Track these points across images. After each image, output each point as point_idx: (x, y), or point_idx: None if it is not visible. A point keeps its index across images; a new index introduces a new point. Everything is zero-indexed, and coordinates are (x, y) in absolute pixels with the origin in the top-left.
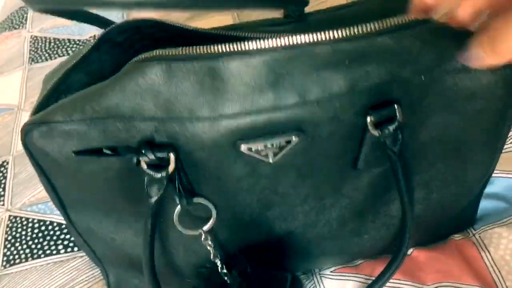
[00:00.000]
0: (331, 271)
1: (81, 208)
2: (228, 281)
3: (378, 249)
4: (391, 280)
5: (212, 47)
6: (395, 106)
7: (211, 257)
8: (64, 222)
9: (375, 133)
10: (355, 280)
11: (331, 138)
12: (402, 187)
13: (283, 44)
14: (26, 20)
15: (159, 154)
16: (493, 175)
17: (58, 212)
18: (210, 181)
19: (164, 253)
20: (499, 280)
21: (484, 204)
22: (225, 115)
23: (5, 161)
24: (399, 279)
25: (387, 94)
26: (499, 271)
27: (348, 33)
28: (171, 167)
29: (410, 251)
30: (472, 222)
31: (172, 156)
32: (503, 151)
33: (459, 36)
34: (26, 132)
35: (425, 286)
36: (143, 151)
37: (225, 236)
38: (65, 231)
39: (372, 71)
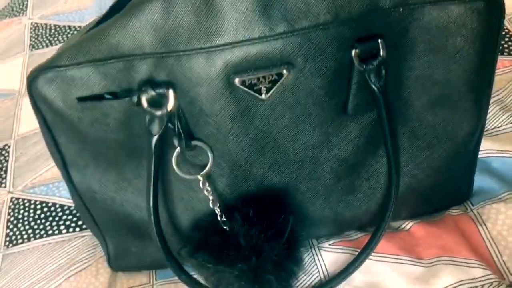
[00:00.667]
0: (329, 244)
1: (82, 165)
2: (228, 229)
3: (372, 216)
4: (390, 256)
5: None
6: (379, 40)
7: (210, 204)
8: (66, 203)
9: (360, 67)
10: (352, 254)
11: (320, 75)
12: (385, 128)
13: None
14: (26, 7)
15: (159, 90)
16: (490, 154)
17: (60, 194)
18: (206, 123)
19: (164, 211)
20: (496, 255)
21: (481, 182)
22: (219, 46)
23: (6, 144)
24: (398, 255)
25: (370, 28)
26: (496, 246)
27: None
28: (170, 103)
29: (408, 226)
30: (469, 195)
31: (171, 92)
32: (497, 132)
33: None
34: (32, 78)
35: (423, 261)
36: (144, 88)
37: (223, 185)
38: (67, 212)
39: None
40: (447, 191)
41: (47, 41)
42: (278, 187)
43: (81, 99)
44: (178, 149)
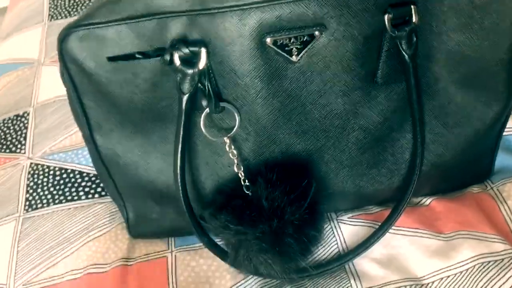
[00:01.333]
0: (348, 217)
1: (107, 129)
2: (251, 193)
3: (394, 191)
4: (410, 230)
5: None
6: (412, 7)
7: (235, 168)
8: (85, 170)
9: (392, 33)
10: (371, 227)
11: (352, 39)
12: (413, 98)
13: None
14: None
15: (192, 48)
16: (509, 132)
17: (78, 161)
18: (235, 84)
19: (189, 176)
20: None
21: (502, 160)
22: (253, 4)
23: (25, 112)
24: (417, 229)
25: None
26: None
27: None
28: (202, 62)
29: (428, 201)
30: (490, 174)
31: (203, 50)
32: None
33: None
34: (64, 36)
35: (442, 235)
36: (177, 46)
37: (248, 150)
38: (86, 179)
39: None
40: (470, 169)
41: (66, 12)
42: (302, 155)
43: (113, 58)
44: (206, 110)
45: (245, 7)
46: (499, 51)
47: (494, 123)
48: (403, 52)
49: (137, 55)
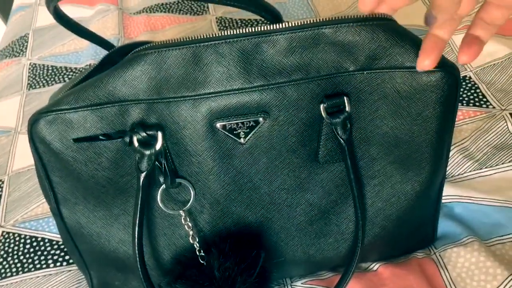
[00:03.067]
0: (302, 283)
1: (72, 202)
2: (205, 263)
3: (342, 259)
4: None
5: (194, 36)
6: (345, 98)
7: (190, 240)
8: (54, 238)
9: (328, 120)
10: None
11: (292, 124)
12: (351, 177)
13: (249, 31)
14: (26, 48)
15: (149, 132)
16: (453, 200)
17: (49, 229)
18: (190, 162)
19: (148, 246)
20: None
21: (444, 227)
22: (204, 95)
23: (0, 180)
24: None
25: (338, 86)
26: None
27: (299, 23)
28: (159, 144)
29: (376, 266)
30: (433, 239)
31: (159, 134)
32: (461, 179)
33: (394, 35)
34: (34, 121)
35: None
36: (136, 130)
37: (203, 222)
38: (55, 246)
39: (321, 58)
40: (413, 237)
41: (44, 81)
42: (254, 226)
43: (78, 140)
44: (163, 186)
45: (197, 97)
46: (427, 134)
47: (427, 195)
48: (339, 137)
49: (100, 137)
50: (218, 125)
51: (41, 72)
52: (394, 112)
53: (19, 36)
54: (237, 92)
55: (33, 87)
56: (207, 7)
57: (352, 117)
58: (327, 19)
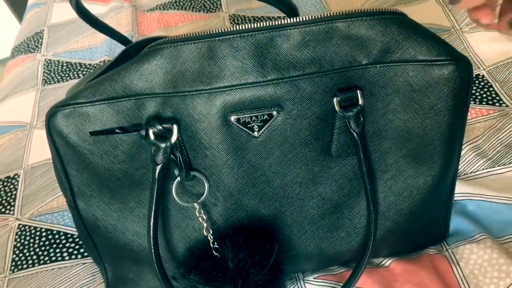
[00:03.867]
0: (314, 277)
1: (88, 195)
2: (219, 255)
3: (354, 253)
4: None
5: (209, 31)
6: (358, 91)
7: (204, 232)
8: (69, 231)
9: (341, 114)
10: (335, 287)
11: (306, 117)
12: (364, 171)
13: (263, 26)
14: (41, 44)
15: (165, 125)
16: (466, 197)
17: (64, 222)
18: (204, 155)
19: (162, 238)
20: None
21: (457, 224)
22: (219, 88)
23: (16, 174)
24: None
25: (351, 79)
26: (468, 285)
27: (313, 17)
28: (174, 137)
29: (388, 263)
30: (445, 236)
31: (175, 127)
32: (474, 176)
33: (407, 28)
34: (51, 114)
35: None
36: (151, 123)
37: (217, 214)
38: (70, 239)
39: (334, 52)
40: (425, 232)
41: (59, 77)
42: (267, 219)
43: (94, 133)
44: (178, 179)
45: (211, 91)
46: (440, 127)
47: (438, 190)
48: (352, 130)
49: (116, 130)
50: (232, 118)
51: (55, 68)
52: (406, 105)
53: (34, 33)
54: (252, 85)
55: (48, 82)
56: (220, 4)
57: (365, 111)
58: (340, 13)
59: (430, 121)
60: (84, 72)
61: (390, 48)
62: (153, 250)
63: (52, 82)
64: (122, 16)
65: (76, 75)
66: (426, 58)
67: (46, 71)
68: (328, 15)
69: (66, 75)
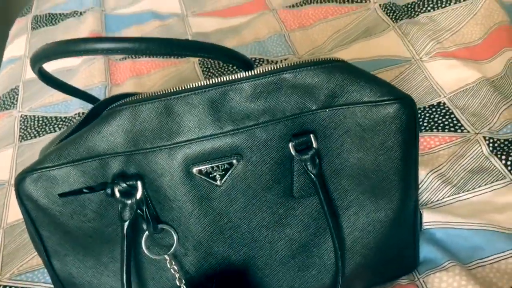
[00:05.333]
0: None
1: (62, 254)
2: None
3: None
4: None
5: (165, 90)
6: (311, 135)
7: (177, 282)
8: None
9: (297, 157)
10: None
11: (265, 163)
12: (325, 210)
13: (215, 82)
14: (16, 100)
15: (129, 182)
16: (433, 226)
17: (45, 279)
18: (170, 208)
19: None
20: None
21: (427, 252)
22: (178, 143)
23: None
24: None
25: (304, 124)
26: None
27: (263, 70)
28: (139, 193)
29: None
30: (415, 265)
31: (139, 183)
32: (440, 204)
33: (349, 74)
34: (20, 180)
35: None
36: (116, 181)
37: (188, 264)
38: None
39: (285, 101)
40: (395, 264)
41: (35, 132)
42: (238, 264)
43: (63, 195)
44: (146, 233)
45: (172, 146)
46: (393, 162)
47: (401, 222)
48: (309, 172)
49: (84, 190)
50: (195, 170)
51: (32, 123)
52: (358, 144)
53: (9, 89)
54: (210, 138)
55: (25, 138)
56: None
57: (321, 152)
58: (287, 65)
59: (382, 157)
60: (60, 126)
61: (336, 93)
62: None
63: (29, 137)
64: (95, 67)
65: (52, 129)
66: (371, 100)
67: (23, 127)
68: (277, 67)
69: (43, 129)
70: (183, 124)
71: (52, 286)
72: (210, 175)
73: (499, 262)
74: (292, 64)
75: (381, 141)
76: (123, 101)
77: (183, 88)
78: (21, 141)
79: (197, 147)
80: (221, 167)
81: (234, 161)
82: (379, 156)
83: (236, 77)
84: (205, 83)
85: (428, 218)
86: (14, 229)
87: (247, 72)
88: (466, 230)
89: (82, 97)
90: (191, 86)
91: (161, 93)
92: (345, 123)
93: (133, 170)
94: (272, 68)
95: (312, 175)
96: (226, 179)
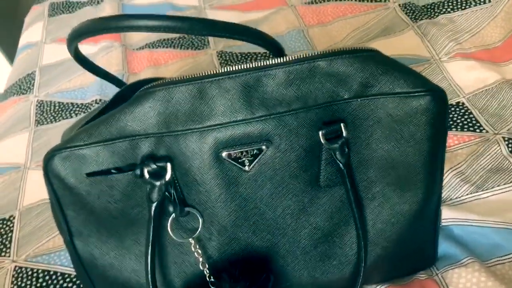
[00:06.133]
0: None
1: (86, 235)
2: None
3: (347, 281)
4: None
5: (199, 73)
6: (341, 124)
7: (200, 266)
8: (66, 271)
9: (327, 146)
10: None
11: (294, 151)
12: (351, 200)
13: (250, 67)
14: (33, 85)
15: (159, 164)
16: (452, 222)
17: (61, 262)
18: (198, 191)
19: (159, 275)
20: None
21: (445, 248)
22: (210, 127)
23: (12, 215)
24: None
25: (335, 113)
26: None
27: (296, 57)
28: (168, 175)
29: None
30: (434, 260)
31: (169, 165)
32: (459, 202)
33: (383, 64)
34: (48, 158)
35: None
36: (146, 162)
37: (212, 248)
38: (67, 279)
39: (318, 88)
40: (415, 258)
41: (51, 117)
42: (261, 250)
43: (91, 174)
44: (173, 215)
45: (203, 129)
46: (421, 154)
47: (423, 216)
48: (338, 161)
49: (112, 171)
50: (224, 154)
51: (48, 108)
52: (388, 135)
53: (26, 74)
54: (241, 123)
55: (41, 123)
56: (208, 42)
57: (350, 142)
58: (322, 53)
59: (411, 149)
60: (76, 112)
61: (369, 83)
62: (151, 287)
63: (45, 122)
64: (112, 55)
65: (68, 115)
66: (403, 91)
67: (39, 112)
68: (311, 54)
69: (59, 115)
70: (215, 108)
71: (68, 268)
72: (239, 160)
73: None
74: (327, 51)
75: (411, 133)
76: (156, 83)
77: (218, 72)
78: (37, 126)
79: (228, 131)
80: (250, 152)
81: (264, 147)
82: (407, 148)
83: (270, 63)
84: (240, 68)
85: (447, 215)
86: (30, 212)
87: (281, 58)
88: (485, 228)
89: (111, 80)
90: (225, 70)
91: (195, 76)
92: (375, 113)
93: (163, 152)
94: (306, 55)
95: (341, 164)
96: (255, 165)
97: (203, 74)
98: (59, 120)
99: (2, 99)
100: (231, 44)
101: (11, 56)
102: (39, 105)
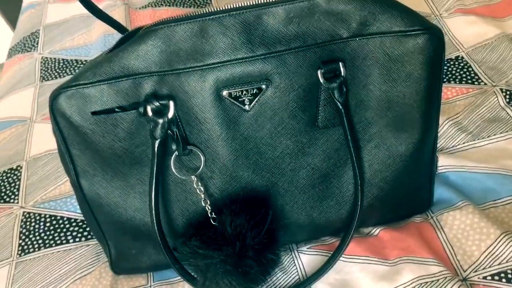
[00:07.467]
0: (307, 248)
1: (91, 174)
2: (217, 224)
3: (344, 222)
4: (360, 258)
5: (200, 11)
6: (340, 63)
7: (202, 202)
8: (72, 216)
9: (325, 85)
10: (327, 256)
11: (293, 90)
12: (349, 139)
13: (250, 4)
14: (37, 43)
15: (162, 101)
16: (448, 169)
17: (67, 208)
18: (199, 130)
19: (163, 213)
20: (452, 255)
21: (441, 194)
22: (210, 65)
23: (19, 165)
24: (367, 256)
25: (333, 52)
26: (452, 248)
27: None
28: (171, 112)
29: (376, 231)
30: (429, 205)
31: (171, 103)
32: (455, 150)
33: (381, 2)
34: (54, 96)
35: (388, 261)
36: (149, 100)
37: (213, 186)
38: (74, 224)
39: (317, 27)
40: (411, 201)
41: (56, 74)
42: (261, 189)
43: (95, 113)
44: (175, 153)
45: (204, 67)
46: (417, 94)
47: (420, 156)
48: (336, 100)
49: (116, 109)
50: (224, 93)
51: (52, 65)
52: (385, 75)
53: (30, 32)
54: (241, 61)
55: (46, 79)
56: (210, 0)
57: (348, 82)
58: None
59: (408, 89)
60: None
61: (368, 21)
62: (155, 223)
63: (50, 78)
64: (115, 14)
65: (73, 71)
66: (401, 29)
67: (44, 68)
68: None
69: (63, 71)
70: (216, 46)
71: (74, 213)
72: (239, 99)
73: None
74: None
75: (408, 72)
76: (158, 21)
77: (218, 9)
78: (42, 81)
79: (229, 70)
80: (250, 91)
81: (263, 86)
82: (404, 88)
83: (271, 0)
84: (240, 5)
85: (444, 162)
86: (36, 162)
87: None
88: (480, 174)
89: (116, 27)
90: (227, 8)
91: (197, 14)
92: (374, 53)
93: (165, 90)
94: None
95: (339, 103)
96: (254, 104)
97: (204, 12)
98: (64, 76)
99: (6, 59)
100: (234, 1)
101: (12, 21)
102: (43, 62)
